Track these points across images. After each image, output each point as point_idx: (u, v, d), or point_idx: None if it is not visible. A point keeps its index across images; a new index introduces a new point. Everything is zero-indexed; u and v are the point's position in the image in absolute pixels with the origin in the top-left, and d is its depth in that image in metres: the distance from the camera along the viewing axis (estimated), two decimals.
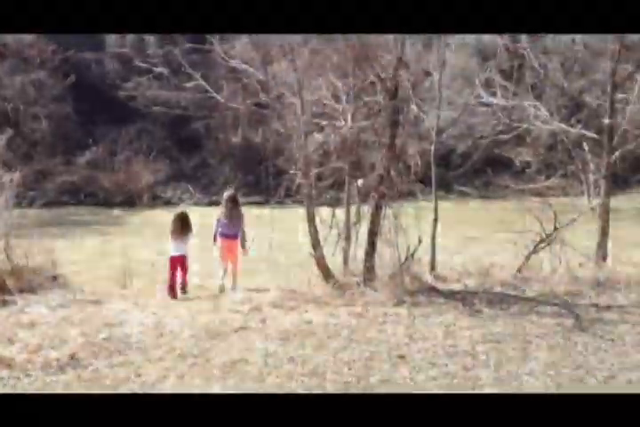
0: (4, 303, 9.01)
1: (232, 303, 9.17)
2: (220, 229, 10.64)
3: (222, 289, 10.41)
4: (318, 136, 11.17)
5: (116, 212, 23.56)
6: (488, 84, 14.55)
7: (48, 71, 28.03)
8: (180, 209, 11.43)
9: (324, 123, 11.01)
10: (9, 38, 28.11)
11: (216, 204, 26.07)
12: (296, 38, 10.70)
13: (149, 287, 10.49)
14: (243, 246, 10.63)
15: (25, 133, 26.04)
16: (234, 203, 10.72)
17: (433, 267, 10.63)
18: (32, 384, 6.31)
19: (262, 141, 24.46)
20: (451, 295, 9.30)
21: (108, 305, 9.10)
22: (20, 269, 9.90)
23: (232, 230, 10.61)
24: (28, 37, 28.56)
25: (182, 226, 10.25)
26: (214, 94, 12.70)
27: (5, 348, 7.15)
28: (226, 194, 10.96)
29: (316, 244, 9.82)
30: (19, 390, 6.14)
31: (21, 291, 9.51)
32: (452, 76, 19.56)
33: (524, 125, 13.93)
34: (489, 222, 18.01)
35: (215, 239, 10.73)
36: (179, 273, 10.20)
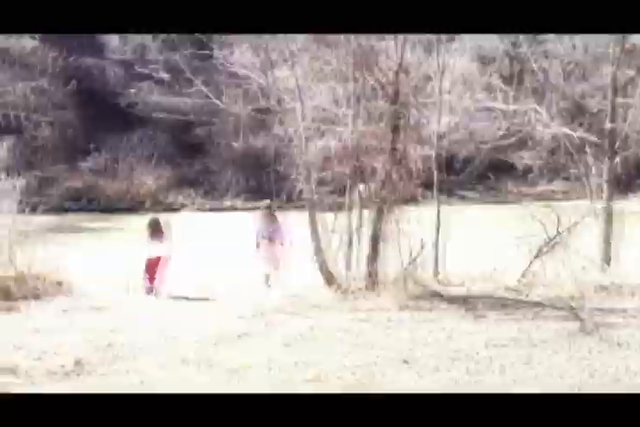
0: (9, 310, 9.02)
1: (236, 309, 9.17)
2: (260, 235, 11.58)
3: (268, 286, 11.22)
4: (320, 141, 11.20)
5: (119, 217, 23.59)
6: (489, 89, 14.58)
7: (49, 78, 28.08)
8: (153, 215, 12.31)
9: (325, 128, 11.04)
10: (10, 45, 28.20)
11: (218, 209, 26.18)
12: (296, 44, 10.74)
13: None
14: (283, 245, 11.57)
15: (28, 140, 26.10)
16: (270, 211, 11.73)
17: (436, 272, 10.63)
18: (36, 391, 6.29)
19: (264, 147, 24.53)
20: (454, 300, 9.29)
21: (113, 311, 9.11)
22: (24, 276, 9.91)
23: (271, 234, 11.52)
24: (29, 44, 28.66)
25: (156, 230, 10.79)
26: (215, 100, 12.74)
27: (10, 354, 7.14)
28: (263, 203, 12.09)
29: (318, 249, 9.83)
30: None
31: (26, 297, 9.53)
32: (453, 80, 19.56)
33: (526, 130, 13.96)
34: (492, 227, 18.00)
35: (257, 245, 11.66)
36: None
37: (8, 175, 10.46)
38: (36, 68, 28.24)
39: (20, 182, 10.37)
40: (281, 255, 11.71)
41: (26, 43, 28.59)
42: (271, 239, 11.55)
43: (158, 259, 10.82)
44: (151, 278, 10.75)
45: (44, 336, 7.83)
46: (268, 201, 12.41)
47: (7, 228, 10.07)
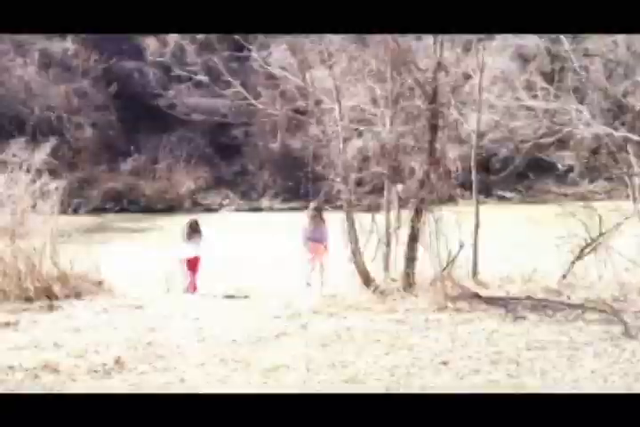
0: (51, 308, 9.19)
1: (272, 309, 9.20)
2: (307, 235, 11.74)
3: (309, 285, 11.33)
4: (357, 141, 11.16)
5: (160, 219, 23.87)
6: (529, 87, 14.36)
7: (91, 80, 28.55)
8: (192, 216, 12.59)
9: (362, 128, 10.99)
10: (53, 47, 28.74)
11: (256, 210, 26.31)
12: (334, 44, 10.72)
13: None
14: (326, 247, 11.73)
15: (69, 142, 26.56)
16: (318, 212, 11.85)
17: (475, 273, 10.51)
18: (78, 388, 6.39)
19: (301, 147, 24.57)
20: (493, 301, 9.17)
21: (152, 310, 9.21)
22: (66, 275, 10.08)
23: (317, 236, 11.69)
24: (71, 47, 29.17)
25: (195, 231, 11.15)
26: (253, 101, 12.79)
27: (52, 352, 7.27)
28: (311, 205, 12.18)
29: (355, 249, 9.80)
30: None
31: (67, 296, 9.70)
32: (493, 79, 19.33)
33: (567, 129, 13.72)
34: (532, 227, 17.75)
35: (305, 245, 11.83)
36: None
37: (50, 176, 10.64)
38: (78, 71, 28.75)
39: (62, 183, 10.55)
40: (324, 256, 11.84)
41: (68, 45, 29.11)
42: (317, 241, 11.71)
43: (197, 258, 11.01)
44: (192, 277, 10.89)
45: (86, 335, 7.96)
46: (316, 203, 12.52)
47: (50, 228, 10.24)
